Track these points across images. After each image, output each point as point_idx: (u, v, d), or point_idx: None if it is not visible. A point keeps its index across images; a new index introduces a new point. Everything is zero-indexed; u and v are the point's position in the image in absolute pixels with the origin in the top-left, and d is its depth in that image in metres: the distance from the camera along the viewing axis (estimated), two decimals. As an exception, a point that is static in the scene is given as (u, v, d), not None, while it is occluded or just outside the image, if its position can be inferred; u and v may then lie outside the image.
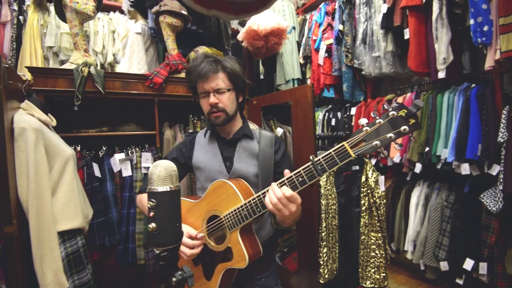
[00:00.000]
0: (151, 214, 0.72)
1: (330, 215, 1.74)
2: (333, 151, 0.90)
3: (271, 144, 1.25)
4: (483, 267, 2.07)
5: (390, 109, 0.87)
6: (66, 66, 1.58)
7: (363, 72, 2.83)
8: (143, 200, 1.24)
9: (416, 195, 2.59)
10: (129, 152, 1.84)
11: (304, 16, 3.41)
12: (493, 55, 1.96)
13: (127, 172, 1.82)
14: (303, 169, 0.93)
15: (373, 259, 1.77)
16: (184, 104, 2.09)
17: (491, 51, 1.97)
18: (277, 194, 0.90)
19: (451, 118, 2.28)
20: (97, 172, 1.72)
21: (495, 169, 2.05)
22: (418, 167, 2.47)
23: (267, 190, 0.96)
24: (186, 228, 1.10)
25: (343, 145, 0.89)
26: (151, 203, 0.72)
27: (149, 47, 2.24)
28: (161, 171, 0.73)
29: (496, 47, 1.92)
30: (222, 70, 1.14)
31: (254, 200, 1.03)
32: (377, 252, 1.78)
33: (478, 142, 2.09)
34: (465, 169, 2.16)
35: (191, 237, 1.06)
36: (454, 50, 2.19)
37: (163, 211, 0.73)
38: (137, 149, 1.88)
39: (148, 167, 1.86)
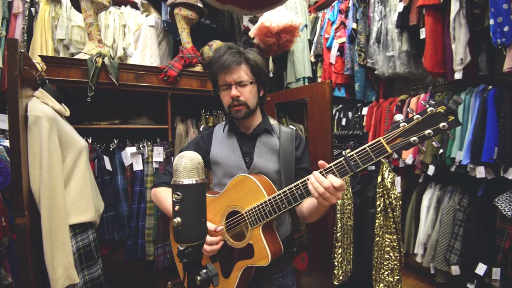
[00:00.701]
0: (176, 208, 0.68)
1: (346, 216, 1.70)
2: (368, 146, 0.86)
3: (292, 140, 1.21)
4: (496, 272, 2.03)
5: (428, 105, 0.83)
6: (80, 56, 1.55)
7: (376, 72, 2.79)
8: (158, 194, 1.20)
9: (428, 198, 2.55)
10: (141, 146, 1.81)
11: (316, 14, 3.37)
12: (511, 57, 1.92)
13: (138, 166, 1.79)
14: (334, 165, 0.89)
15: (387, 261, 1.73)
16: (197, 98, 2.06)
17: (510, 53, 1.93)
18: (323, 183, 0.86)
19: (467, 120, 2.23)
20: (108, 165, 1.69)
21: (510, 173, 2.01)
22: (431, 169, 2.43)
23: (306, 180, 0.91)
24: None
25: (379, 140, 0.85)
26: (176, 196, 0.68)
27: (161, 40, 2.21)
28: (187, 163, 0.69)
29: (517, 48, 1.88)
30: (245, 62, 1.11)
31: (280, 196, 0.99)
32: (391, 254, 1.74)
33: (495, 145, 2.05)
34: (480, 172, 2.11)
35: (210, 232, 1.03)
36: (471, 51, 2.14)
37: (189, 205, 0.69)
38: (149, 143, 1.84)
39: (160, 162, 1.82)
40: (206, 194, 1.19)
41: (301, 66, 3.15)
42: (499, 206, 2.05)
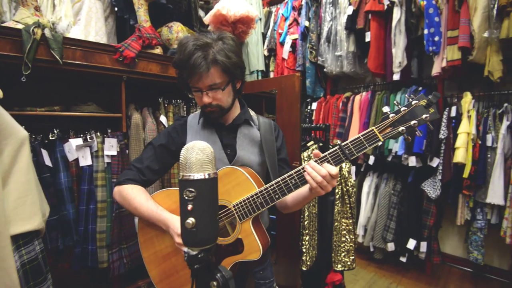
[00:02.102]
0: (189, 207, 0.60)
1: (311, 204, 1.78)
2: (362, 135, 0.90)
3: (272, 131, 1.20)
4: (423, 246, 2.42)
5: (412, 99, 0.91)
6: (10, 25, 1.23)
7: (325, 70, 2.97)
8: (125, 192, 1.05)
9: (368, 185, 2.86)
10: (88, 137, 1.55)
11: (269, 8, 3.39)
12: (440, 63, 2.28)
13: (85, 161, 1.53)
14: (329, 153, 0.91)
15: (344, 244, 1.89)
16: (155, 84, 1.87)
17: (439, 59, 2.29)
18: (320, 172, 0.86)
19: (401, 116, 2.56)
20: (47, 161, 1.40)
21: (435, 162, 2.40)
22: (371, 159, 2.73)
23: (303, 169, 0.91)
24: None
25: (372, 130, 0.90)
26: (189, 193, 0.60)
27: (108, 16, 1.92)
28: (199, 154, 0.62)
29: (443, 56, 2.24)
30: (214, 64, 0.96)
31: (273, 187, 0.97)
32: (347, 237, 1.90)
33: (424, 138, 2.41)
34: (412, 161, 2.46)
35: None
36: (407, 56, 2.46)
37: (204, 203, 0.61)
38: (98, 134, 1.59)
39: (113, 155, 1.60)
40: None
41: (255, 59, 3.14)
42: (425, 190, 2.43)
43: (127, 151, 1.70)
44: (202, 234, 0.61)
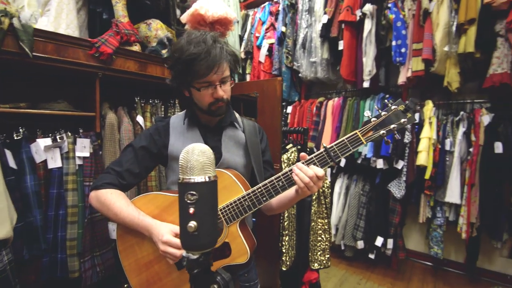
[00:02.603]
0: (191, 210, 0.59)
1: (291, 205, 1.83)
2: (346, 138, 0.95)
3: (256, 133, 1.21)
4: (389, 243, 2.59)
5: (391, 104, 0.98)
6: (-30, 9, 1.10)
7: (300, 75, 3.06)
8: (103, 197, 0.99)
9: (339, 185, 2.99)
10: (58, 137, 1.44)
11: (246, 11, 3.42)
12: (405, 73, 2.46)
13: (54, 163, 1.42)
14: (315, 156, 0.95)
15: (320, 243, 1.96)
16: (131, 83, 1.79)
17: (404, 69, 2.48)
18: (307, 173, 0.88)
19: (371, 121, 2.72)
20: (11, 162, 1.27)
21: (400, 164, 2.58)
22: (343, 161, 2.86)
23: (290, 171, 0.93)
24: (169, 226, 0.96)
25: (356, 133, 0.95)
26: (190, 196, 0.59)
27: (80, 8, 1.80)
28: (200, 157, 0.61)
29: (409, 67, 2.42)
30: (226, 57, 0.99)
31: (260, 189, 0.98)
32: (323, 236, 1.97)
33: (391, 142, 2.58)
34: (379, 163, 2.62)
35: (177, 235, 0.92)
36: (376, 65, 2.63)
37: (206, 206, 0.61)
38: (69, 133, 1.48)
39: (85, 157, 1.50)
40: (166, 194, 1.07)
41: (232, 61, 3.14)
42: (391, 190, 2.60)
43: (100, 152, 1.61)
44: (204, 238, 0.60)
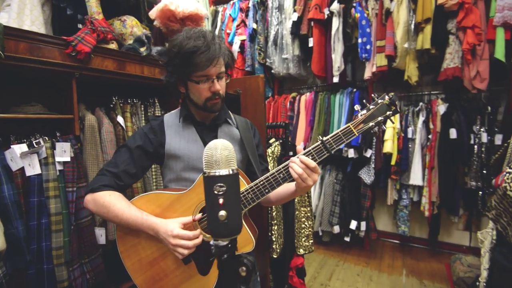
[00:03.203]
0: (221, 201, 0.64)
1: (277, 197, 1.91)
2: (340, 131, 1.04)
3: (249, 128, 1.26)
4: (362, 225, 2.80)
5: (377, 98, 1.09)
6: None
7: (272, 71, 3.14)
8: (102, 199, 0.98)
9: (314, 177, 3.15)
10: (34, 142, 1.34)
11: (216, 8, 3.40)
12: (371, 68, 2.66)
13: (33, 169, 1.32)
14: (312, 148, 1.02)
15: (304, 230, 2.07)
16: (108, 83, 1.72)
17: (369, 65, 2.67)
18: (300, 165, 0.95)
19: (341, 114, 2.91)
20: (-15, 172, 1.17)
21: (369, 153, 2.79)
22: (318, 153, 3.01)
23: (286, 166, 0.99)
24: (176, 220, 0.98)
25: (348, 126, 1.04)
26: (219, 188, 0.64)
27: (44, 3, 1.68)
28: (224, 151, 0.67)
29: (373, 62, 2.62)
30: (222, 53, 1.02)
31: (262, 182, 1.03)
32: (306, 223, 2.09)
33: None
34: (350, 153, 2.82)
35: (185, 227, 0.95)
36: (344, 61, 2.80)
37: (233, 196, 0.66)
38: (46, 138, 1.39)
39: (66, 162, 1.43)
40: (168, 192, 1.10)
41: (204, 58, 3.12)
42: (362, 177, 2.82)
43: (81, 156, 1.53)
44: (233, 225, 0.65)
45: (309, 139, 3.02)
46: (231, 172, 0.65)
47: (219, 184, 0.63)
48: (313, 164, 0.96)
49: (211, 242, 0.68)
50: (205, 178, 0.65)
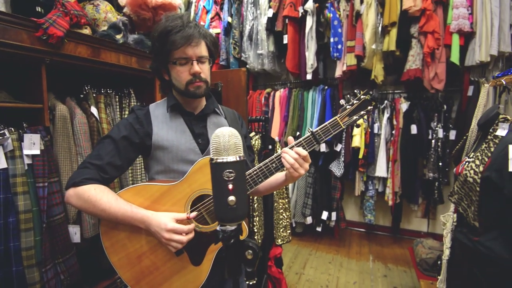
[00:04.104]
0: (230, 186, 0.66)
1: (258, 189, 1.94)
2: (328, 123, 1.10)
3: (236, 119, 1.28)
4: (333, 215, 2.96)
5: (359, 94, 1.17)
6: None
7: (247, 66, 3.16)
8: (87, 193, 0.93)
9: (288, 171, 3.24)
10: (-2, 133, 1.22)
11: (189, -1, 3.31)
12: (341, 67, 2.80)
13: (-3, 163, 1.21)
14: (303, 139, 1.07)
15: (282, 221, 2.14)
16: (81, 71, 1.61)
17: (340, 64, 2.81)
18: (293, 155, 0.98)
19: (313, 110, 3.02)
20: None
21: (339, 147, 2.95)
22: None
23: (279, 156, 1.02)
24: (169, 214, 0.97)
25: (336, 119, 1.11)
26: (229, 174, 0.66)
27: (3, -20, 1.52)
28: (231, 138, 0.68)
29: (344, 62, 2.76)
30: (203, 38, 1.04)
31: (256, 172, 1.06)
32: (284, 214, 2.16)
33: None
34: (322, 147, 2.95)
35: (178, 221, 0.95)
36: (317, 59, 2.91)
37: (240, 182, 0.68)
38: (12, 129, 1.27)
39: (36, 155, 1.32)
40: (158, 184, 1.08)
41: (177, 50, 3.04)
42: (333, 170, 2.97)
43: (52, 148, 1.42)
44: (241, 209, 0.67)
45: (284, 134, 3.10)
46: (238, 158, 0.66)
47: (228, 170, 0.64)
48: (304, 153, 0.99)
49: (218, 228, 0.69)
50: (213, 165, 0.65)
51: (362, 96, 1.15)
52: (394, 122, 2.76)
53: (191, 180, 1.05)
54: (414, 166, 2.67)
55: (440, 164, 2.56)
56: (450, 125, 2.56)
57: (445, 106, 2.56)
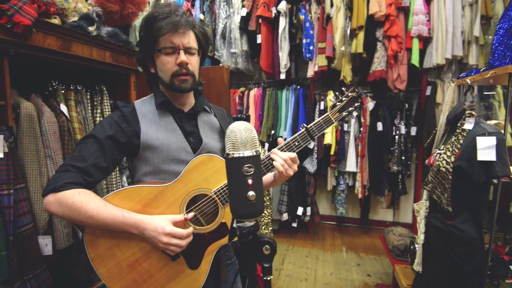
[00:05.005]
0: (250, 181, 0.66)
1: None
2: (321, 119, 1.13)
3: (225, 117, 1.26)
4: (308, 210, 3.06)
5: (347, 91, 1.23)
6: None
7: (220, 64, 3.12)
8: (71, 199, 0.82)
9: (262, 169, 3.27)
10: (-50, 134, 1.05)
11: (158, -8, 3.16)
12: (313, 67, 2.90)
13: (-49, 168, 1.04)
14: (298, 135, 1.09)
15: (263, 218, 2.16)
16: (45, 64, 1.46)
17: (312, 65, 2.91)
18: (282, 156, 0.99)
19: (287, 109, 3.09)
20: None
21: (312, 144, 3.05)
22: (266, 146, 3.14)
23: (268, 156, 1.02)
24: (165, 217, 0.93)
25: (328, 115, 1.15)
26: (248, 169, 0.66)
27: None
28: (248, 133, 0.68)
29: (315, 62, 2.87)
30: (192, 28, 0.98)
31: (254, 169, 1.05)
32: (265, 212, 2.18)
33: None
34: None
35: (175, 225, 0.91)
36: (290, 59, 2.98)
37: (259, 176, 0.69)
38: (-32, 129, 1.10)
39: (-1, 158, 1.16)
40: (150, 185, 1.03)
41: (146, 46, 2.89)
42: (306, 167, 3.06)
43: (17, 151, 1.26)
44: (259, 205, 0.67)
45: (259, 133, 3.12)
46: (255, 153, 0.66)
47: (247, 165, 0.64)
48: (293, 155, 1.00)
49: (235, 225, 0.68)
50: (230, 160, 0.64)
51: (349, 94, 1.21)
52: (362, 120, 2.93)
53: (186, 180, 1.01)
54: (380, 160, 2.87)
55: (403, 158, 2.79)
56: (411, 122, 2.80)
57: (406, 105, 2.80)
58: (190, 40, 0.95)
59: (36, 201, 1.30)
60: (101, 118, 1.73)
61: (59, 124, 1.43)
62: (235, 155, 0.64)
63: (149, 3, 3.04)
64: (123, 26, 2.70)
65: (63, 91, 1.52)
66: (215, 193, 1.01)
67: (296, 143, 1.05)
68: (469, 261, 1.23)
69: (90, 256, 0.95)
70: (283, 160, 0.96)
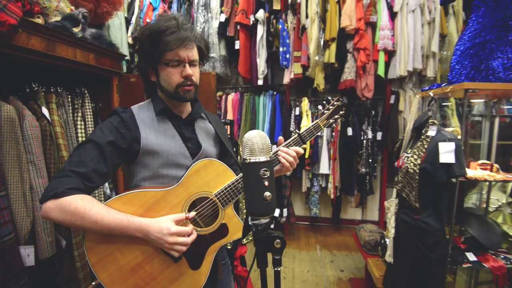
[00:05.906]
0: (266, 183, 0.73)
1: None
2: (311, 126, 1.24)
3: (219, 122, 1.32)
4: (284, 211, 3.17)
5: (332, 100, 1.35)
6: None
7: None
8: (73, 205, 0.83)
9: (239, 172, 3.33)
10: None
11: (133, -8, 3.09)
12: (289, 75, 3.04)
13: None
14: (291, 140, 1.19)
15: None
16: (29, 64, 1.39)
17: (288, 72, 3.05)
18: (292, 154, 1.09)
19: (265, 114, 3.19)
20: None
21: (287, 148, 3.18)
22: (243, 150, 3.20)
23: (276, 152, 1.10)
24: (169, 217, 0.96)
25: (317, 122, 1.26)
26: (265, 172, 0.73)
27: None
28: (263, 139, 0.76)
29: (291, 70, 3.01)
30: (197, 41, 1.04)
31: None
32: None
33: (280, 130, 3.15)
34: (274, 148, 3.12)
35: (178, 224, 0.95)
36: (267, 66, 3.09)
37: (273, 178, 0.76)
38: None
39: (-22, 165, 1.09)
40: (151, 190, 1.06)
41: (119, 45, 2.81)
42: (282, 170, 3.18)
43: (-4, 157, 1.19)
44: (273, 204, 0.74)
45: (237, 137, 3.17)
46: (269, 158, 0.73)
47: (264, 169, 0.71)
48: (302, 151, 1.12)
49: (250, 223, 0.74)
50: (247, 165, 0.71)
51: (335, 103, 1.33)
52: (333, 125, 3.14)
53: (187, 184, 1.05)
54: (350, 163, 3.08)
55: (370, 160, 3.03)
56: (377, 128, 3.06)
57: (373, 112, 3.05)
58: (194, 53, 0.99)
59: (17, 209, 1.23)
60: (82, 122, 1.67)
61: (41, 128, 1.36)
62: (252, 160, 0.70)
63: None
64: (96, 25, 2.61)
65: (43, 93, 1.45)
66: (216, 196, 1.06)
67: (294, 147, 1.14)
68: (434, 250, 1.42)
69: (91, 262, 0.95)
70: (292, 157, 1.05)
